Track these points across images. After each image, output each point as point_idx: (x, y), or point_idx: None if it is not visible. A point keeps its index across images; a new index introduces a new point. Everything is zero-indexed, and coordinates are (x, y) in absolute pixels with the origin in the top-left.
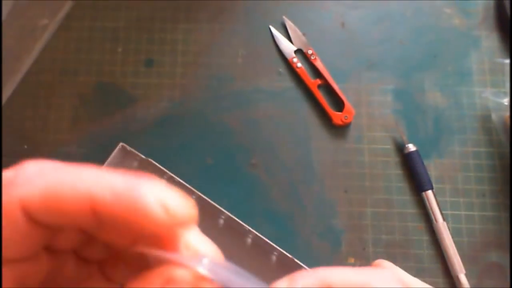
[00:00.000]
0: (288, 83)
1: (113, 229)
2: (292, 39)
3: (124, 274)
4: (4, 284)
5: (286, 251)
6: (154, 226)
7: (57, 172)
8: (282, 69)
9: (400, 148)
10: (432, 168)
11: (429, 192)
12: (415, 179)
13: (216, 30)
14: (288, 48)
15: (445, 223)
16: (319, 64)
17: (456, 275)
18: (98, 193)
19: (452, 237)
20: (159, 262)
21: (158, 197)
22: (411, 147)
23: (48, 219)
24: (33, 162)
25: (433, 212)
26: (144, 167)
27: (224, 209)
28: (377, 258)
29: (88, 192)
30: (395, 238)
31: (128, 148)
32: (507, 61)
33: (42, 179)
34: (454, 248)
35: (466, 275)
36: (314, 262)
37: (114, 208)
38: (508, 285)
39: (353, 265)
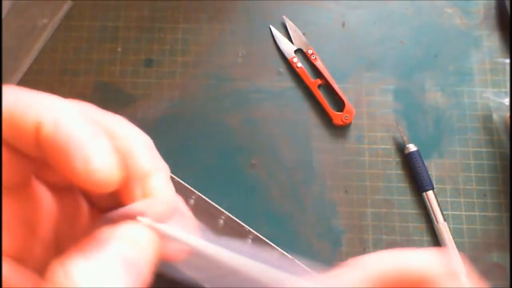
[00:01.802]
0: (288, 83)
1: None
2: (292, 39)
3: None
4: (5, 215)
5: (286, 252)
6: (72, 174)
7: (17, 92)
8: (282, 69)
9: (400, 148)
10: (433, 168)
11: (430, 193)
12: (416, 179)
13: (216, 30)
14: (288, 48)
15: (445, 223)
16: (319, 64)
17: None
18: (43, 119)
19: (453, 238)
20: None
21: (86, 150)
22: (412, 147)
23: (10, 139)
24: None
25: (433, 213)
26: None
27: (224, 209)
28: None
29: (35, 116)
30: (396, 238)
31: None
32: (508, 60)
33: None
34: (455, 248)
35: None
36: (314, 262)
37: (51, 140)
38: (508, 285)
39: None
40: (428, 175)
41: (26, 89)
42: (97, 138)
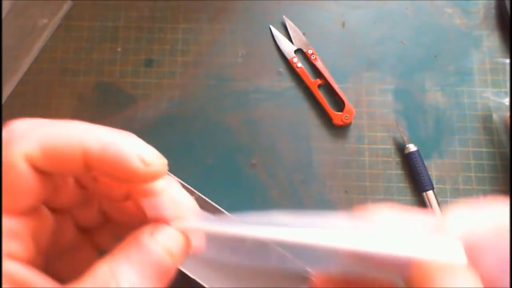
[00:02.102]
0: (288, 83)
1: (103, 178)
2: (292, 39)
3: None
4: (22, 237)
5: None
6: (133, 174)
7: (49, 125)
8: (282, 69)
9: (400, 148)
10: (433, 168)
11: (430, 193)
12: (416, 179)
13: (216, 30)
14: (288, 48)
15: None
16: (319, 64)
17: None
18: (88, 143)
19: None
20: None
21: (137, 150)
22: (412, 147)
23: (49, 167)
24: (20, 120)
25: (433, 213)
26: None
27: (224, 209)
28: None
29: (80, 142)
30: None
31: None
32: (508, 60)
33: (37, 132)
34: None
35: None
36: None
37: (101, 157)
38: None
39: None
40: (428, 175)
41: (52, 121)
42: (135, 140)
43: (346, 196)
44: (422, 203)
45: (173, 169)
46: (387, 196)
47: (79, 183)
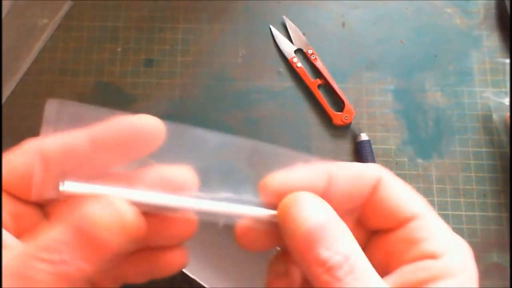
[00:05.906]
0: (288, 83)
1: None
2: (292, 39)
3: None
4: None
5: None
6: None
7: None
8: (282, 69)
9: (400, 148)
10: (433, 168)
11: None
12: None
13: (216, 30)
14: (288, 48)
15: None
16: (319, 64)
17: None
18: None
19: None
20: None
21: None
22: (364, 137)
23: None
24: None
25: None
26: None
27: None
28: None
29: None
30: None
31: None
32: (508, 60)
33: None
34: None
35: None
36: None
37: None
38: (508, 285)
39: None
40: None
41: None
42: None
43: None
44: None
45: None
46: None
47: None
